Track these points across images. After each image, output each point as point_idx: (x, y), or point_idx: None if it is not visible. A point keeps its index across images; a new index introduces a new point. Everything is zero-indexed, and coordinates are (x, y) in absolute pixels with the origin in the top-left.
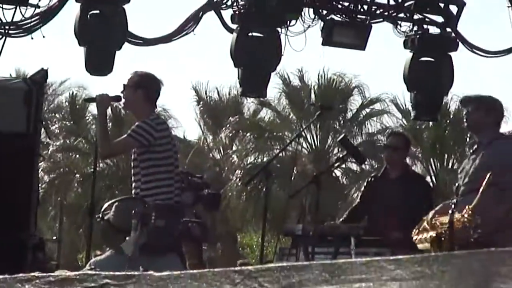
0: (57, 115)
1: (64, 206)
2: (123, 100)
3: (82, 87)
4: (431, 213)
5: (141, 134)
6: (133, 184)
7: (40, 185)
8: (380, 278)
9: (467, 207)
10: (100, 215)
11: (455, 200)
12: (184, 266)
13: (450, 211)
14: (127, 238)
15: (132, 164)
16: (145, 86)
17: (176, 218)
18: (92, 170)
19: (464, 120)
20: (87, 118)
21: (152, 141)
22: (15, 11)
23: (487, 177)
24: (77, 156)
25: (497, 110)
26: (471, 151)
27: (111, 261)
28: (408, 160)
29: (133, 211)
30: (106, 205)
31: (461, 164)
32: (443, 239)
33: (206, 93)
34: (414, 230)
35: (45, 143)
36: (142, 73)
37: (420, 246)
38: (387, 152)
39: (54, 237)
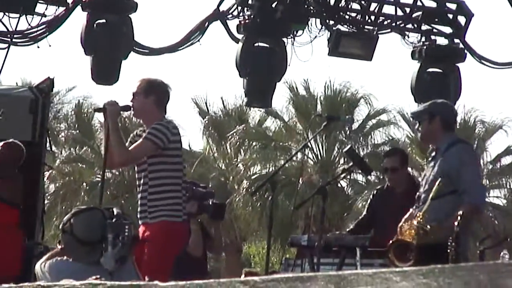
0: (63, 124)
1: None
2: (133, 108)
3: (88, 97)
4: (402, 220)
5: (157, 136)
6: (139, 189)
7: (45, 194)
8: None
9: (418, 213)
10: (63, 228)
11: (414, 208)
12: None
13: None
14: (104, 254)
15: (137, 170)
16: (156, 92)
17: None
18: (97, 179)
19: (419, 136)
20: (94, 127)
21: (167, 143)
22: (18, 19)
23: (436, 184)
24: (83, 165)
25: (445, 115)
26: (430, 158)
27: (73, 269)
28: (414, 172)
29: (105, 224)
30: (66, 217)
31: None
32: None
33: (206, 104)
34: (404, 222)
35: (51, 152)
36: (151, 79)
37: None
38: (387, 175)
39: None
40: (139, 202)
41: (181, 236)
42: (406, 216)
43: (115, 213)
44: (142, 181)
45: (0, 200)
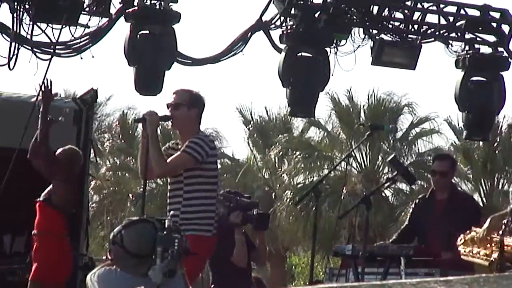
0: (107, 135)
1: (114, 225)
2: (173, 119)
3: (132, 107)
4: (482, 229)
5: (197, 150)
6: (170, 201)
7: (90, 204)
8: None
9: None
10: (113, 239)
11: (506, 221)
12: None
13: (501, 232)
14: (153, 266)
15: (170, 181)
16: (199, 105)
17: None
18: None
19: None
20: (137, 136)
21: (205, 157)
22: (61, 30)
23: None
24: (128, 175)
25: None
26: None
27: (121, 279)
28: (458, 179)
29: (155, 237)
30: (116, 229)
31: None
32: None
33: (251, 113)
34: (460, 239)
35: (96, 162)
36: (193, 92)
37: (466, 258)
38: (435, 178)
39: (104, 257)
40: (170, 213)
41: (208, 250)
42: (487, 224)
43: (166, 225)
44: (175, 193)
45: (50, 205)
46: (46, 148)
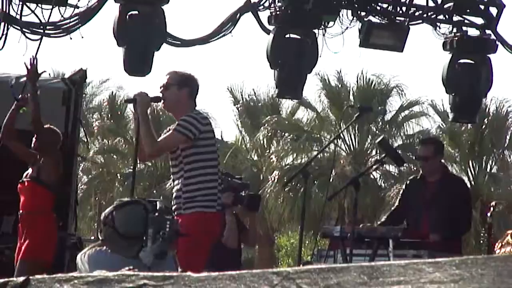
0: (95, 115)
1: (103, 206)
2: (163, 100)
3: (121, 88)
4: None
5: (187, 128)
6: (173, 181)
7: (79, 185)
8: (419, 280)
9: None
10: (104, 221)
11: None
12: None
13: None
14: (144, 248)
15: (171, 163)
16: (190, 85)
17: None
18: (131, 170)
19: None
20: (126, 118)
21: (197, 134)
22: (51, 11)
23: None
24: (116, 156)
25: None
26: None
27: (111, 260)
28: (445, 162)
29: (147, 218)
30: (108, 210)
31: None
32: None
33: (242, 94)
34: (497, 244)
35: (86, 142)
36: (183, 72)
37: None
38: (419, 163)
39: (93, 237)
40: (173, 194)
41: (215, 226)
42: None
43: (158, 207)
44: (177, 174)
45: (38, 182)
46: (40, 125)
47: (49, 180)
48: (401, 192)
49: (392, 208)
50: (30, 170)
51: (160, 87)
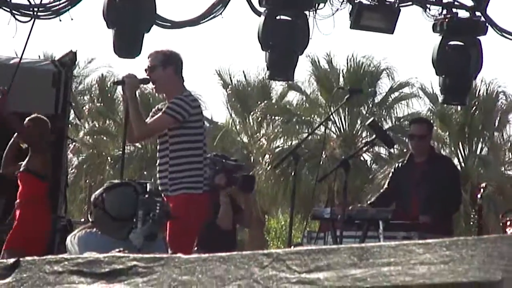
0: (85, 97)
1: (93, 188)
2: (152, 82)
3: (111, 68)
4: None
5: (176, 110)
6: (159, 161)
7: (69, 167)
8: (409, 262)
9: None
10: (94, 202)
11: None
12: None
13: None
14: (134, 230)
15: (158, 142)
16: (173, 62)
17: (198, 211)
18: (120, 152)
19: None
20: (117, 100)
21: (187, 117)
22: None
23: None
24: (107, 138)
25: None
26: None
27: (101, 242)
28: (435, 143)
29: (137, 200)
30: (98, 192)
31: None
32: None
33: (231, 77)
34: (508, 222)
35: (74, 124)
36: (164, 51)
37: None
38: (413, 142)
39: (83, 219)
40: (158, 175)
41: (202, 207)
42: None
43: (148, 189)
44: (162, 154)
45: (30, 172)
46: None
47: (39, 170)
48: (390, 175)
49: (382, 190)
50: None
51: (145, 70)
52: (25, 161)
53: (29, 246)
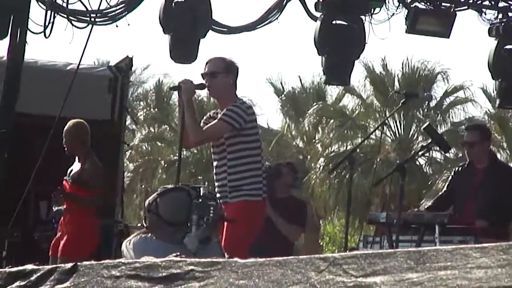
0: (141, 102)
1: (149, 193)
2: (209, 87)
3: (167, 74)
4: None
5: (233, 118)
6: (216, 170)
7: (125, 173)
8: (466, 265)
9: None
10: (148, 208)
11: None
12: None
13: None
14: (188, 234)
15: (213, 150)
16: (234, 71)
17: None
18: (176, 157)
19: None
20: (172, 105)
21: (243, 124)
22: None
23: None
24: (162, 144)
25: None
26: None
27: (156, 247)
28: (492, 148)
29: (190, 204)
30: (152, 197)
31: None
32: None
33: (282, 83)
34: None
35: (130, 129)
36: (227, 59)
37: None
38: (465, 149)
39: (139, 224)
40: (216, 183)
41: (260, 214)
42: None
43: (201, 193)
44: (220, 163)
45: (78, 185)
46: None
47: (90, 180)
48: (449, 178)
49: (439, 194)
50: (75, 167)
51: (205, 75)
52: (74, 171)
53: (77, 254)
